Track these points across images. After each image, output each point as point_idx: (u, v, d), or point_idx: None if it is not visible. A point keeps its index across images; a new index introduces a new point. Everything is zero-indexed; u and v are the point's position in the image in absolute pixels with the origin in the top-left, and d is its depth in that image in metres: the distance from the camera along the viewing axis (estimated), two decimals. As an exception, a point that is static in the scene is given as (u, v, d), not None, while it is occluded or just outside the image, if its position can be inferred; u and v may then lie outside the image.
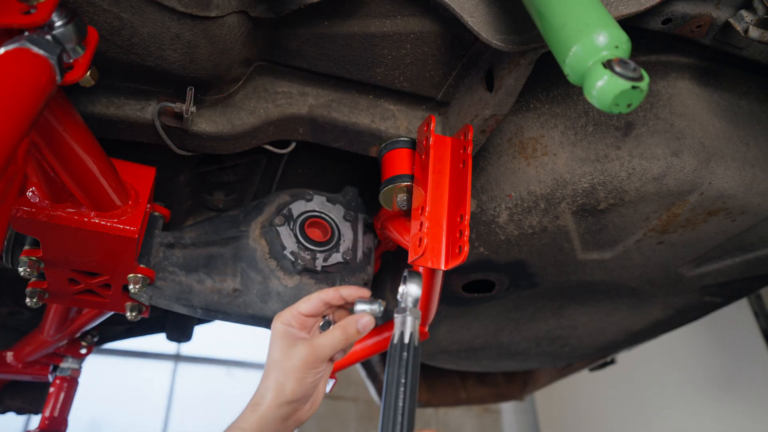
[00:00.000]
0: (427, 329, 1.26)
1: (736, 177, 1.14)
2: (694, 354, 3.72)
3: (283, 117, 1.13)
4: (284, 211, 1.26)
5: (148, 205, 1.10)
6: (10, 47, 0.65)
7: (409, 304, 0.88)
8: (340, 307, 0.97)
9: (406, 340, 0.81)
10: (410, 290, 0.89)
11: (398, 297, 0.92)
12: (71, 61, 0.75)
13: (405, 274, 0.93)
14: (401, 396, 0.76)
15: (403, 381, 0.77)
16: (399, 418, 0.74)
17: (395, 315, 0.88)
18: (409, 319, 0.85)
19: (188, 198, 1.44)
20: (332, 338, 0.88)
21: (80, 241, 1.04)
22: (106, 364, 4.62)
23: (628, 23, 0.94)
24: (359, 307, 0.91)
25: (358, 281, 1.28)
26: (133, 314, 1.26)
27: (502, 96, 0.99)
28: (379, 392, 2.53)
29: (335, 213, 1.32)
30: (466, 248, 0.92)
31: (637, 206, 1.18)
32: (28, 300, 1.21)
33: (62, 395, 1.86)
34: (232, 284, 1.23)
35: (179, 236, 1.26)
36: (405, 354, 0.80)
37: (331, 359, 0.90)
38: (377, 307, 0.92)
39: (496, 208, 1.22)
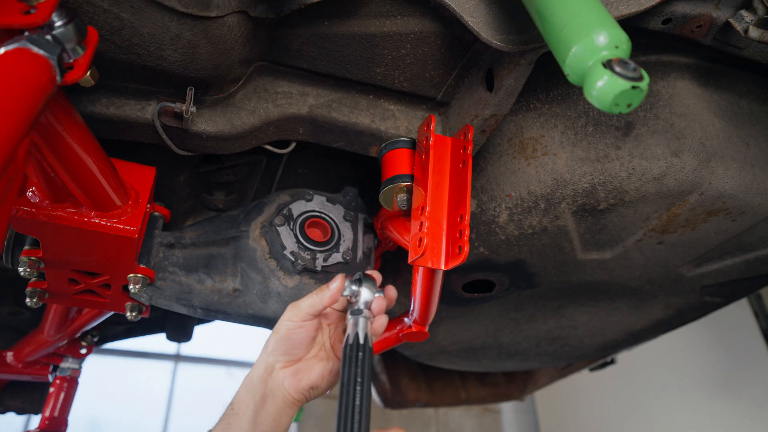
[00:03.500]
0: (427, 329, 1.25)
1: (736, 177, 1.14)
2: (694, 354, 3.72)
3: (283, 117, 1.13)
4: (284, 211, 1.26)
5: (148, 205, 1.10)
6: (10, 47, 0.65)
7: (362, 306, 0.91)
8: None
9: (361, 341, 0.84)
10: (363, 293, 0.92)
11: (350, 298, 0.94)
12: (71, 61, 0.75)
13: (358, 276, 0.96)
14: (358, 395, 0.78)
15: (359, 380, 0.79)
16: (357, 417, 0.76)
17: (349, 317, 0.91)
18: (361, 321, 0.88)
19: (188, 198, 1.44)
20: (309, 296, 0.96)
21: (80, 241, 1.04)
22: (106, 364, 4.62)
23: (628, 23, 0.94)
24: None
25: None
26: (133, 314, 1.26)
27: (502, 96, 0.99)
28: (380, 392, 2.53)
29: (335, 213, 1.32)
30: (466, 248, 0.92)
31: (637, 206, 1.18)
32: (28, 300, 1.21)
33: (62, 395, 1.85)
34: (232, 284, 1.23)
35: (179, 236, 1.26)
36: (360, 354, 0.82)
37: (317, 317, 0.97)
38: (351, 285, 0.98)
39: (496, 208, 1.22)
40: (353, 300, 0.94)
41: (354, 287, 0.95)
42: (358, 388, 0.78)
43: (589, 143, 1.14)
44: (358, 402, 0.77)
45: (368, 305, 0.92)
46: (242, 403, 0.88)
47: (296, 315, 0.94)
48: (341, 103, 1.15)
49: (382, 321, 0.97)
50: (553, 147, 1.16)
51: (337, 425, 0.75)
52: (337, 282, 0.96)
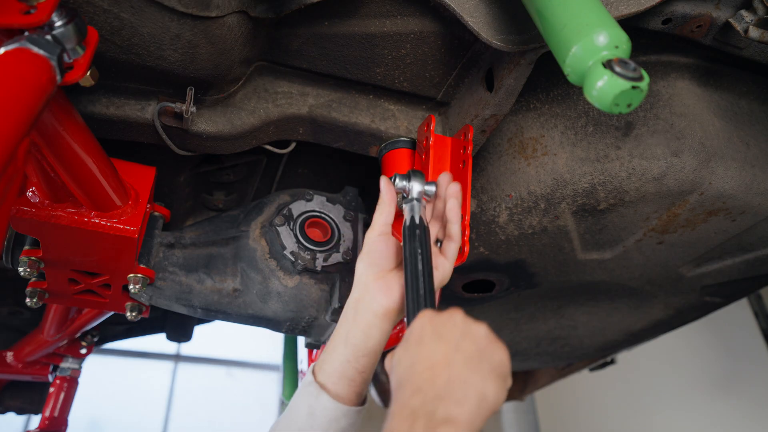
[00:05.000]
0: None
1: (736, 177, 1.14)
2: (694, 354, 3.72)
3: (283, 117, 1.13)
4: (284, 211, 1.26)
5: (148, 205, 1.10)
6: (10, 47, 0.65)
7: (415, 195, 1.01)
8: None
9: (417, 221, 0.96)
10: (414, 186, 1.02)
11: (404, 192, 1.03)
12: (71, 61, 0.75)
13: (410, 172, 1.04)
14: (420, 262, 0.89)
15: (420, 251, 0.90)
16: (422, 279, 0.87)
17: (404, 204, 1.02)
18: (416, 205, 0.99)
19: (188, 198, 1.44)
20: (375, 216, 1.02)
21: (80, 241, 1.04)
22: (106, 364, 4.61)
23: (628, 23, 0.94)
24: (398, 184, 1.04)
25: None
26: (133, 314, 1.26)
27: (502, 96, 0.99)
28: (379, 392, 2.53)
29: (335, 213, 1.32)
30: (467, 248, 0.92)
31: (637, 206, 1.18)
32: (28, 300, 1.21)
33: (62, 395, 1.86)
34: (232, 284, 1.23)
35: (179, 236, 1.26)
36: (418, 231, 0.93)
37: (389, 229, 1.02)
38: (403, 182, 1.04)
39: (496, 208, 1.22)
40: (407, 192, 1.02)
41: (404, 182, 1.03)
42: (420, 256, 0.89)
43: (589, 143, 1.14)
44: (420, 267, 0.88)
45: (420, 194, 1.02)
46: (339, 326, 0.96)
47: (372, 231, 1.00)
48: (341, 103, 1.15)
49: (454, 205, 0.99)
50: (553, 147, 1.16)
51: (406, 288, 0.87)
52: (384, 183, 1.02)
